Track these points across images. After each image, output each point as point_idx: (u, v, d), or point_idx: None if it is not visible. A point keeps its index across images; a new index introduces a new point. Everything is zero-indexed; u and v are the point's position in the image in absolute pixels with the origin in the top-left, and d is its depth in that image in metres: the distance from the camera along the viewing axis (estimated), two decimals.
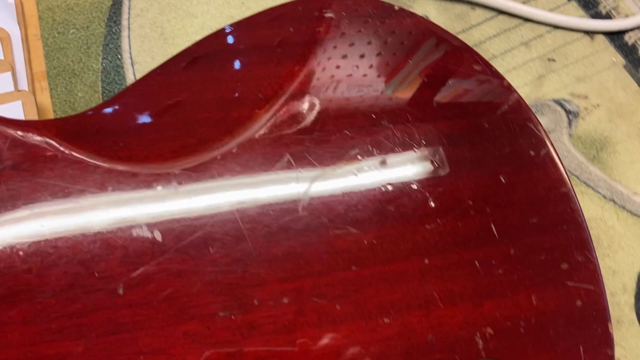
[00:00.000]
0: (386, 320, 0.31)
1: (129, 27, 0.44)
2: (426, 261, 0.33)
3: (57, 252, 0.29)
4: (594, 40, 0.47)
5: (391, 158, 0.35)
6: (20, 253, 0.29)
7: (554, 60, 0.46)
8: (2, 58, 0.42)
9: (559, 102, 0.45)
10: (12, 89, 0.41)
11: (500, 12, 0.47)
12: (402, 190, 0.34)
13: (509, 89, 0.38)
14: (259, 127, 0.34)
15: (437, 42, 0.39)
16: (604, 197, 0.42)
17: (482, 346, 0.32)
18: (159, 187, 0.31)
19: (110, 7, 0.45)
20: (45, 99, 0.42)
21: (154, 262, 0.30)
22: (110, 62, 0.43)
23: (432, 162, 0.35)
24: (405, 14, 0.39)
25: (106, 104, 0.34)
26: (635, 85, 0.45)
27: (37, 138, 0.31)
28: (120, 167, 0.32)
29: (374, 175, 0.34)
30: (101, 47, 0.44)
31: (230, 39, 0.37)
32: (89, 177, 0.31)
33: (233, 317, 0.30)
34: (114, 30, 0.44)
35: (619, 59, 0.46)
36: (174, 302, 0.30)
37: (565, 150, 0.43)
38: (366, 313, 0.31)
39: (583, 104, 0.45)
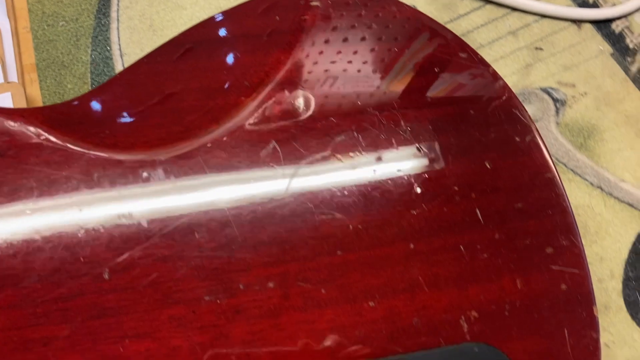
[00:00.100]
0: (371, 304, 0.32)
1: (118, 19, 0.44)
2: (411, 246, 0.33)
3: (43, 237, 0.29)
4: (581, 28, 0.47)
5: (377, 145, 0.35)
6: (6, 238, 0.29)
7: (541, 49, 0.46)
8: None
9: (546, 91, 0.45)
10: (1, 80, 0.41)
11: (488, 1, 0.47)
12: (387, 176, 0.34)
13: (495, 76, 0.38)
14: (245, 115, 0.34)
15: (424, 30, 0.39)
16: (592, 184, 0.43)
17: (467, 329, 0.32)
18: (145, 174, 0.32)
19: None
20: (34, 90, 0.43)
21: (140, 248, 0.30)
22: (100, 53, 0.44)
23: (417, 148, 0.35)
24: (392, 2, 0.39)
25: (93, 92, 0.34)
26: (623, 73, 0.46)
27: (23, 125, 0.31)
28: (106, 155, 0.32)
29: (360, 162, 0.34)
30: (90, 39, 0.44)
31: (217, 28, 0.37)
32: (75, 163, 0.31)
33: (218, 301, 0.30)
34: (103, 22, 0.44)
35: (606, 48, 0.46)
36: (159, 287, 0.30)
37: (552, 138, 0.44)
38: (351, 297, 0.32)
39: (570, 92, 0.45)
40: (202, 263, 0.31)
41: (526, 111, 0.38)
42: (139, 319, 0.29)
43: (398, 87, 0.37)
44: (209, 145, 0.33)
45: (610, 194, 0.42)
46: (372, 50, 0.37)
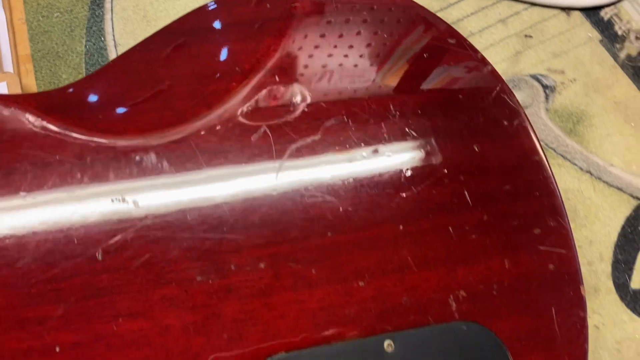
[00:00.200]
0: (361, 284, 0.32)
1: (112, 10, 0.45)
2: (401, 227, 0.34)
3: (37, 219, 0.30)
4: (570, 16, 0.48)
5: (366, 129, 0.35)
6: (1, 220, 0.30)
7: (530, 36, 0.46)
8: None
9: (535, 77, 0.45)
10: None
11: None
12: (377, 159, 0.35)
13: (483, 61, 0.39)
14: (236, 100, 0.35)
15: (414, 17, 0.40)
16: (581, 169, 0.43)
17: (456, 308, 0.32)
18: (137, 158, 0.32)
19: None
20: (30, 80, 0.43)
21: (132, 229, 0.31)
22: (94, 44, 0.44)
23: (406, 132, 0.36)
24: None
25: (86, 79, 0.35)
26: (611, 59, 0.46)
27: (17, 111, 0.32)
28: (99, 139, 0.32)
29: (350, 145, 0.35)
30: (85, 30, 0.44)
31: (209, 16, 0.37)
32: (68, 148, 0.32)
33: (210, 281, 0.31)
34: (97, 13, 0.45)
35: (595, 35, 0.47)
36: (152, 268, 0.30)
37: (542, 124, 0.44)
38: (341, 277, 0.32)
39: (559, 78, 0.45)
40: (194, 244, 0.31)
41: (514, 96, 0.38)
42: (132, 299, 0.30)
43: (387, 72, 0.37)
44: (200, 129, 0.34)
45: (600, 178, 0.43)
46: (362, 37, 0.38)
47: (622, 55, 0.46)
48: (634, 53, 0.45)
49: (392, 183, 0.35)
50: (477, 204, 0.35)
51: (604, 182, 0.43)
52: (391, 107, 0.36)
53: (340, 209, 0.33)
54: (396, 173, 0.35)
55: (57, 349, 0.28)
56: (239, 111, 0.34)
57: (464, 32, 0.46)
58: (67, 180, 0.31)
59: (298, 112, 0.35)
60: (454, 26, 0.45)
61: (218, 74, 0.36)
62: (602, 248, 0.42)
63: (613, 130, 0.44)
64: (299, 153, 0.34)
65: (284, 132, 0.34)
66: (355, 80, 0.37)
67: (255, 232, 0.32)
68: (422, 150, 0.36)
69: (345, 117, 0.36)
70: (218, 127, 0.34)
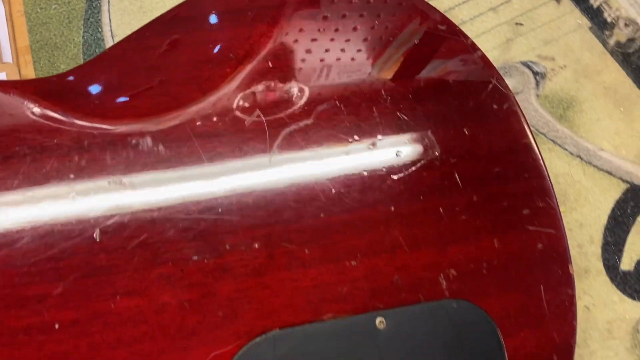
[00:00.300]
0: (353, 263, 0.33)
1: (108, 1, 0.46)
2: (392, 208, 0.34)
3: (36, 200, 0.31)
4: (560, 4, 0.48)
5: (358, 113, 0.36)
6: (1, 202, 0.30)
7: (521, 24, 0.47)
8: None
9: (526, 64, 0.46)
10: None
11: None
12: (369, 142, 0.36)
13: (473, 47, 0.39)
14: (231, 86, 0.36)
15: (405, 4, 0.40)
16: (571, 153, 0.44)
17: (446, 286, 0.33)
18: (133, 142, 0.33)
19: None
20: (29, 71, 0.44)
21: (129, 211, 0.31)
22: (91, 35, 0.45)
23: (398, 116, 0.37)
24: None
25: (84, 65, 0.35)
26: (601, 46, 0.47)
27: (16, 96, 0.33)
28: (96, 124, 0.33)
29: (342, 129, 0.36)
30: (82, 21, 0.45)
31: (203, 4, 0.38)
32: (66, 132, 0.32)
33: (206, 260, 0.31)
34: (94, 5, 0.46)
35: (585, 22, 0.48)
36: (148, 247, 0.31)
37: (533, 110, 0.45)
38: (334, 257, 0.33)
39: (550, 65, 0.46)
40: (190, 225, 0.32)
41: (503, 80, 0.39)
42: (130, 277, 0.30)
43: (379, 58, 0.38)
44: (195, 114, 0.34)
45: (590, 163, 0.44)
46: (353, 23, 0.39)
47: (612, 41, 0.46)
48: (623, 39, 0.45)
49: (384, 165, 0.35)
50: (467, 186, 0.36)
51: (594, 166, 0.44)
52: (382, 92, 0.37)
53: (333, 190, 0.34)
54: (388, 156, 0.36)
55: (57, 326, 0.29)
56: (233, 96, 0.35)
57: (455, 20, 0.46)
58: (65, 163, 0.32)
59: (291, 97, 0.36)
60: (446, 15, 0.46)
61: (213, 61, 0.36)
62: (592, 231, 0.42)
63: (603, 115, 0.45)
64: (292, 137, 0.35)
65: (277, 117, 0.35)
66: (347, 66, 0.37)
67: (249, 212, 0.33)
68: (413, 134, 0.36)
69: (337, 102, 0.36)
70: (212, 112, 0.34)
